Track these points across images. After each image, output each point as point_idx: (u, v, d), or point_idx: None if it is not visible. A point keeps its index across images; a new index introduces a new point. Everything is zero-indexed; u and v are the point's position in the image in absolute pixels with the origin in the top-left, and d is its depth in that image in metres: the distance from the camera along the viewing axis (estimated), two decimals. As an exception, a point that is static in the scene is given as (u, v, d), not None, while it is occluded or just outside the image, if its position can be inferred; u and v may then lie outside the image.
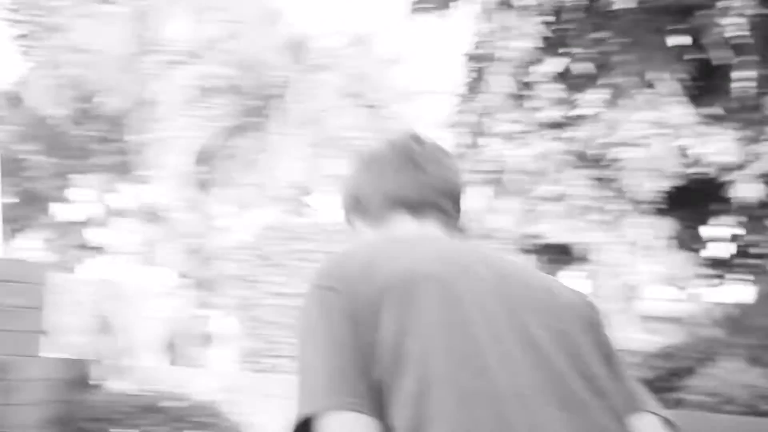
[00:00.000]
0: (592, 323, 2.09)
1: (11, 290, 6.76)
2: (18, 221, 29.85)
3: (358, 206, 2.37)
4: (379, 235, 2.33)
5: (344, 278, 1.99)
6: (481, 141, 12.01)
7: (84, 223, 14.09)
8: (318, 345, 1.94)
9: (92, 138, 25.47)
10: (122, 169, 22.34)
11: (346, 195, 2.42)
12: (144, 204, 15.02)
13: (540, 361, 1.93)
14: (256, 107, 21.26)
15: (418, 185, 2.33)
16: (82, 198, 13.93)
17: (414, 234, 2.28)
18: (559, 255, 11.97)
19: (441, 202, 2.34)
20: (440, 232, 2.31)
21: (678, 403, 9.30)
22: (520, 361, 1.90)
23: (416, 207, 2.33)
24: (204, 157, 21.26)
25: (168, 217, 15.28)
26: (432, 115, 17.99)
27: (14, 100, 27.61)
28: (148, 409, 7.60)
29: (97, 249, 14.08)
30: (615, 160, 11.12)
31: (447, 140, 12.45)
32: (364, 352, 1.89)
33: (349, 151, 22.40)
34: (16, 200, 28.48)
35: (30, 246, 29.21)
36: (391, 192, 2.34)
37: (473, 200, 11.59)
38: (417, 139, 2.41)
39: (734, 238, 12.18)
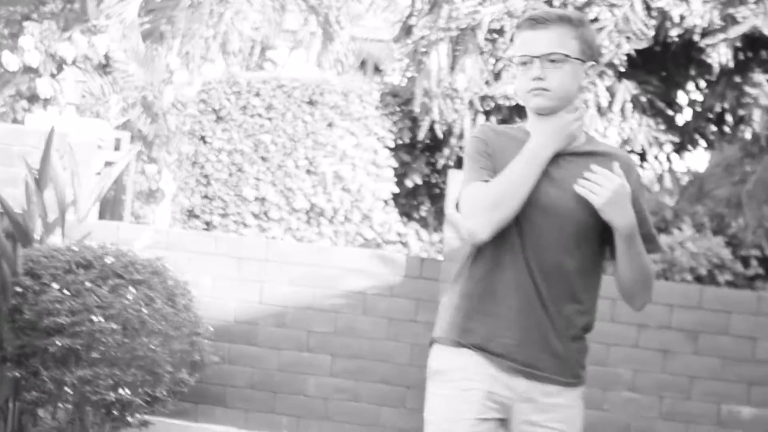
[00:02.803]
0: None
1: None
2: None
3: None
4: None
5: None
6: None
7: (34, 72, 13.66)
8: None
9: (44, -15, 24.72)
10: (76, 18, 21.72)
11: None
12: (96, 54, 14.57)
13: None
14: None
15: None
16: (32, 46, 13.44)
17: None
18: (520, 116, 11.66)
19: None
20: None
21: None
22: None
23: None
24: (160, 7, 20.65)
25: (118, 68, 14.88)
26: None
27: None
28: (87, 265, 7.35)
29: (46, 100, 13.68)
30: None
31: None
32: None
33: (310, 7, 21.83)
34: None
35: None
36: None
37: (435, 59, 11.17)
38: None
39: (693, 103, 11.94)
